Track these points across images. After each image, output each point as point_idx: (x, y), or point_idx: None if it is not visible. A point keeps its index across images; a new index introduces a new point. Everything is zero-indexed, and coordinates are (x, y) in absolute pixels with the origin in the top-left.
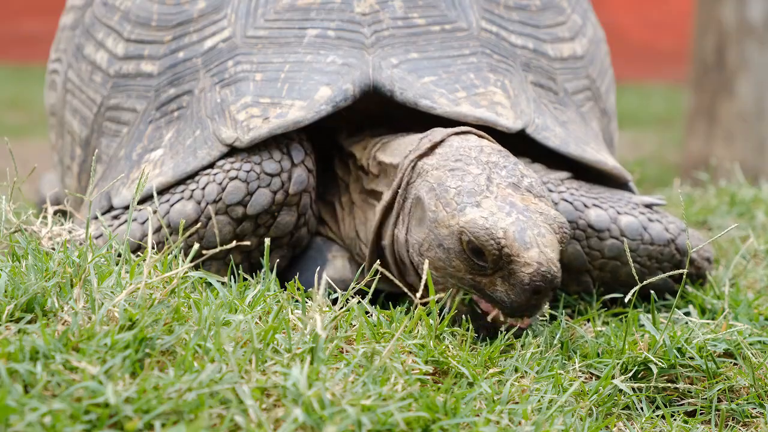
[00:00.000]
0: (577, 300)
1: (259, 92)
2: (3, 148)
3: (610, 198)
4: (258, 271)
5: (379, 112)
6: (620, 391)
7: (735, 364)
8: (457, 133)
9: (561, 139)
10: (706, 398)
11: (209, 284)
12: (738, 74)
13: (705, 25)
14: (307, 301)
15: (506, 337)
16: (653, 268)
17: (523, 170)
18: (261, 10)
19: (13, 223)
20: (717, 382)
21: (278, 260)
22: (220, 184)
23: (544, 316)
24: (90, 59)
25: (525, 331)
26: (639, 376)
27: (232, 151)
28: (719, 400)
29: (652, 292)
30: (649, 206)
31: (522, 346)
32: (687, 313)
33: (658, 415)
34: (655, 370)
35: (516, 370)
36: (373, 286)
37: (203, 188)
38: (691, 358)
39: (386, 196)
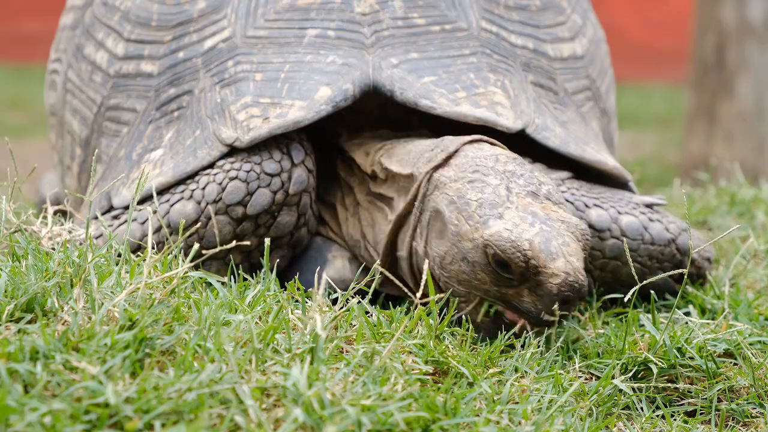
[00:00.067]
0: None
1: (259, 92)
2: (3, 148)
3: (611, 198)
4: (258, 271)
5: (379, 112)
6: (620, 391)
7: (735, 364)
8: (469, 142)
9: (561, 139)
10: (706, 398)
11: (209, 284)
12: (738, 74)
13: (705, 25)
14: (307, 301)
15: (506, 337)
16: (654, 268)
17: (540, 177)
18: (261, 10)
19: (13, 223)
20: (717, 382)
21: (278, 260)
22: (220, 184)
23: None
24: (90, 59)
25: (525, 331)
26: (639, 376)
27: (232, 151)
28: (719, 400)
29: (652, 292)
30: (649, 206)
31: (522, 346)
32: (687, 313)
33: (658, 415)
34: (655, 370)
35: (516, 370)
36: (373, 286)
37: (203, 188)
38: (691, 358)
39: (399, 207)
